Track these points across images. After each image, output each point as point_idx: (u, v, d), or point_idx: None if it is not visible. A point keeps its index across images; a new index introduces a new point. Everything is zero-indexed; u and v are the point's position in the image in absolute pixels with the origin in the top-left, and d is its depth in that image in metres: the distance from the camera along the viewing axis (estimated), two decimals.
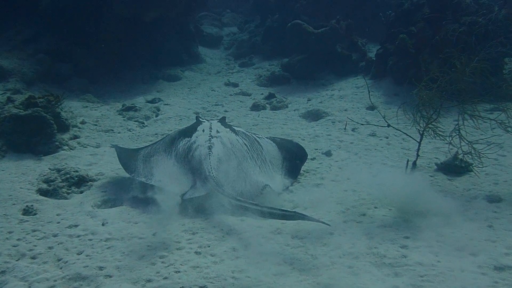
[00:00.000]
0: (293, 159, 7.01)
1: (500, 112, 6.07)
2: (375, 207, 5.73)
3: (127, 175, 6.61)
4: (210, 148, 6.22)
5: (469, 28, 9.46)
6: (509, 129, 6.02)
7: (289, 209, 5.19)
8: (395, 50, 11.53)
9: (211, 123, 6.92)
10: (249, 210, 5.30)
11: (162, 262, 4.57)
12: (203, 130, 6.65)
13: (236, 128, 7.02)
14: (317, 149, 7.93)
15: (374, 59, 12.90)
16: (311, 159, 7.51)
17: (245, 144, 6.64)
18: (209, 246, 4.86)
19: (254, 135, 7.14)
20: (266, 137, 7.43)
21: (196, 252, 4.75)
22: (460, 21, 9.91)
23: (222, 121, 7.13)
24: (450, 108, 6.41)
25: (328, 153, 7.70)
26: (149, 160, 6.49)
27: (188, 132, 6.73)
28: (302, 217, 4.92)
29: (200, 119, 7.23)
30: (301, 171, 6.92)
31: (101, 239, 5.04)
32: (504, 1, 10.39)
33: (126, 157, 6.67)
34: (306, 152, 7.24)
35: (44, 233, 5.19)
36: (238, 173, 6.10)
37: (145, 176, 6.17)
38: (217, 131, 6.62)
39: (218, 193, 5.56)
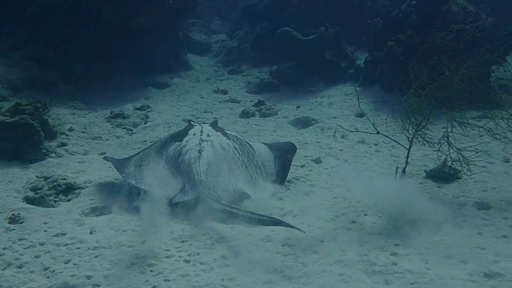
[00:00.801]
0: (284, 155, 7.13)
1: (488, 119, 6.10)
2: (365, 214, 5.73)
3: (116, 182, 6.63)
4: (200, 152, 6.25)
5: (457, 35, 9.53)
6: (497, 136, 6.05)
7: (266, 215, 5.14)
8: (383, 58, 11.61)
9: (202, 127, 6.98)
10: (232, 215, 5.33)
11: (151, 271, 4.51)
12: (194, 134, 6.70)
13: (227, 132, 7.07)
14: (306, 156, 7.93)
15: (363, 66, 12.97)
16: (301, 166, 7.52)
17: (236, 148, 6.66)
18: (198, 254, 4.82)
19: (246, 139, 7.17)
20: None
21: (185, 261, 4.70)
22: (447, 29, 9.99)
23: (214, 125, 7.22)
24: (438, 115, 6.43)
25: (317, 160, 7.71)
26: (141, 164, 6.52)
27: (179, 136, 6.77)
28: (278, 222, 5.00)
29: (192, 123, 7.30)
30: (291, 178, 6.96)
31: (89, 248, 4.97)
32: (491, 10, 10.49)
33: (121, 162, 6.72)
34: (295, 145, 7.49)
35: (31, 241, 5.11)
36: (228, 177, 6.14)
37: (136, 180, 6.19)
38: (208, 135, 6.67)
39: (204, 196, 5.57)
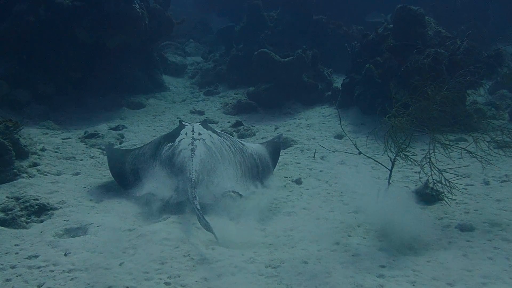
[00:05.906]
0: (271, 158, 7.71)
1: (465, 142, 6.08)
2: (349, 236, 5.62)
3: (90, 203, 6.48)
4: (193, 150, 6.43)
5: (434, 59, 9.61)
6: (478, 158, 6.03)
7: (207, 222, 5.28)
8: (361, 80, 11.66)
9: (193, 126, 7.26)
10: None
11: None
12: (186, 134, 6.95)
13: (217, 130, 7.40)
14: (287, 177, 7.81)
15: (341, 88, 12.99)
16: (282, 186, 7.39)
17: (227, 144, 6.95)
18: (179, 276, 4.63)
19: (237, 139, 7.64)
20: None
21: (165, 283, 4.52)
22: (424, 53, 10.07)
23: (204, 123, 7.52)
24: (417, 137, 6.40)
25: (298, 181, 7.60)
26: (137, 171, 6.77)
27: (172, 137, 7.00)
28: (209, 229, 5.24)
29: (183, 123, 7.54)
30: (272, 198, 6.87)
31: (63, 270, 4.74)
32: (468, 33, 10.67)
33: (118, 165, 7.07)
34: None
35: (1, 264, 4.86)
36: (222, 173, 6.39)
37: (134, 186, 6.55)
38: (199, 133, 6.93)
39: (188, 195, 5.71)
